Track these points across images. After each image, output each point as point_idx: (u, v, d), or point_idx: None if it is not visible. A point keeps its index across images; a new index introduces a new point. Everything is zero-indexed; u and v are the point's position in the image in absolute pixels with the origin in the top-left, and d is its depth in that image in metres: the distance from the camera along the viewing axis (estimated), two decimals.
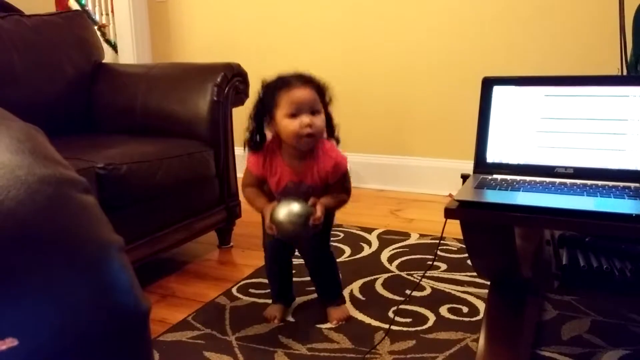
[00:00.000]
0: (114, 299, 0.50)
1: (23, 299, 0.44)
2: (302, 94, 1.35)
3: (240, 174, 2.27)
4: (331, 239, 1.64)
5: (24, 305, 0.45)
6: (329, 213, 1.56)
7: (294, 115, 1.34)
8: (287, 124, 1.35)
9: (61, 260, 0.47)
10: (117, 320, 0.50)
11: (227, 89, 2.07)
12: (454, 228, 1.16)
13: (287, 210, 1.35)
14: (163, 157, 1.81)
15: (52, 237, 0.47)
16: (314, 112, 1.36)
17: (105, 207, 1.83)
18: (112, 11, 3.53)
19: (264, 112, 1.41)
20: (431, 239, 2.19)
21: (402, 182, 2.95)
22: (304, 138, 1.35)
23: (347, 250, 2.09)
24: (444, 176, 2.78)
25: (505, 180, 1.17)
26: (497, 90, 1.25)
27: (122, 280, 0.51)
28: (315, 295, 1.69)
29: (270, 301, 1.65)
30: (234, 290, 1.79)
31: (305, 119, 1.34)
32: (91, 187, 0.54)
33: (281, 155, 1.44)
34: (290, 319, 1.59)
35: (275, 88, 1.37)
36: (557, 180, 1.14)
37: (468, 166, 1.27)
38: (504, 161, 1.22)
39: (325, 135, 1.44)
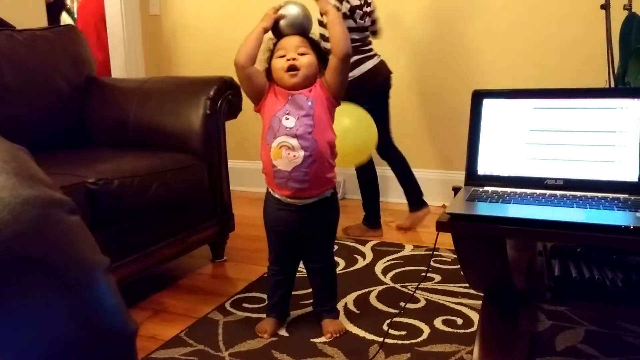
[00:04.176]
0: (100, 321, 0.49)
1: (6, 322, 0.44)
2: (289, 39, 1.47)
3: (233, 187, 2.28)
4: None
5: (7, 328, 0.44)
6: (332, 222, 1.58)
7: (282, 56, 1.46)
8: (276, 62, 1.47)
9: (46, 283, 0.47)
10: (103, 342, 0.50)
11: (220, 102, 2.08)
12: (448, 239, 1.15)
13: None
14: (155, 172, 1.81)
15: (36, 259, 0.46)
16: (301, 53, 1.46)
17: (97, 222, 1.80)
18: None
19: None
20: (425, 250, 2.19)
21: (396, 193, 2.94)
22: (287, 72, 1.45)
23: (342, 263, 2.09)
24: (438, 187, 2.79)
25: (496, 192, 1.17)
26: (487, 103, 1.25)
27: (108, 301, 0.50)
28: (309, 309, 1.69)
29: (264, 316, 1.64)
30: (227, 305, 1.78)
31: (289, 55, 1.45)
32: (77, 207, 0.54)
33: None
34: (284, 333, 1.59)
35: (274, 42, 1.51)
36: (548, 192, 1.15)
37: (462, 177, 1.28)
38: (495, 173, 1.23)
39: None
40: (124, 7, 3.37)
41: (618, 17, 1.64)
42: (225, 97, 2.09)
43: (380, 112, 2.40)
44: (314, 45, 1.49)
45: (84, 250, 0.51)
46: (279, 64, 1.46)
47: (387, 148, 2.49)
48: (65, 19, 4.14)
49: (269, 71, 1.50)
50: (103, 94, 2.26)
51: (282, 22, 1.48)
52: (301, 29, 1.49)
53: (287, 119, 1.44)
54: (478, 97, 1.27)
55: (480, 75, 2.69)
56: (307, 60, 1.45)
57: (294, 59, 1.44)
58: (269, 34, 1.51)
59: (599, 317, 1.57)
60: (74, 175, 1.60)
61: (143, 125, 2.12)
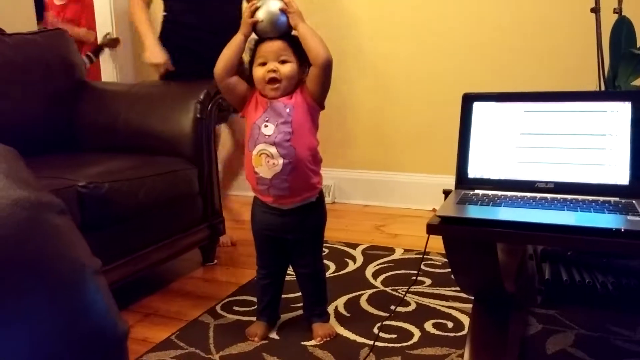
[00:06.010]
0: (90, 323, 0.49)
1: None
2: (270, 44, 1.43)
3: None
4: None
5: None
6: (317, 227, 1.57)
7: (263, 64, 1.43)
8: (256, 71, 1.44)
9: (35, 284, 0.46)
10: (93, 344, 0.49)
11: (210, 106, 2.07)
12: (439, 243, 1.16)
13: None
14: (146, 175, 1.80)
15: (25, 261, 0.46)
16: (282, 61, 1.43)
17: (87, 226, 1.78)
18: (95, 29, 3.51)
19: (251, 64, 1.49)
20: (416, 254, 2.19)
21: (387, 197, 2.95)
22: (267, 84, 1.43)
23: (332, 266, 2.09)
24: (428, 191, 2.79)
25: (487, 195, 1.17)
26: (477, 107, 1.26)
27: (99, 303, 0.50)
28: (299, 313, 1.68)
29: (254, 319, 1.63)
30: (217, 308, 1.77)
31: (270, 65, 1.42)
32: (67, 209, 0.53)
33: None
34: (275, 336, 1.58)
35: (255, 43, 1.47)
36: (538, 195, 1.15)
37: (452, 181, 1.28)
38: (485, 176, 1.23)
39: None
40: (113, 10, 3.36)
41: (608, 20, 1.65)
42: (215, 100, 2.08)
43: None
44: (295, 48, 1.44)
45: (73, 252, 0.50)
46: (260, 73, 1.43)
47: None
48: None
49: (250, 78, 1.48)
50: (93, 98, 2.24)
51: (259, 26, 1.43)
52: (281, 29, 1.43)
53: (265, 126, 1.43)
54: (468, 100, 1.27)
55: (470, 79, 2.70)
56: (288, 70, 1.42)
57: (274, 71, 1.41)
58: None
59: (589, 321, 1.58)
60: (64, 178, 1.58)
61: (133, 129, 2.10)
